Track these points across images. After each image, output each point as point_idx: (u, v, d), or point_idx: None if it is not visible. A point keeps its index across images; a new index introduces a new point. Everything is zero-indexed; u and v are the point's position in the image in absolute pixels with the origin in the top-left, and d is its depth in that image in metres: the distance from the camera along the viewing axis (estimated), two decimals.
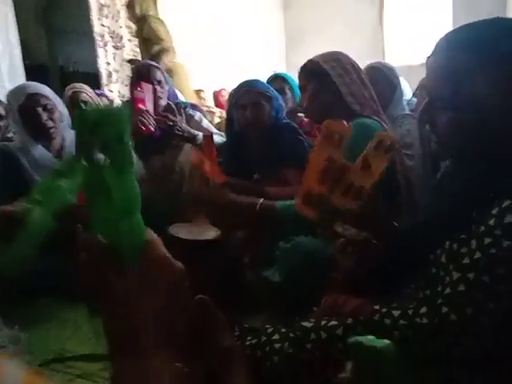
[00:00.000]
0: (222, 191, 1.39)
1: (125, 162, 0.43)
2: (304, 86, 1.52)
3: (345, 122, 0.96)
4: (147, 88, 2.04)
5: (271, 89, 1.89)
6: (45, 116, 1.77)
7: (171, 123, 2.04)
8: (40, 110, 1.76)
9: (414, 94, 2.37)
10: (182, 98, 4.28)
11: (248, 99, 1.78)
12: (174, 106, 2.21)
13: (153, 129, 2.02)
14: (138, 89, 2.02)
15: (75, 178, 0.44)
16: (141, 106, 2.00)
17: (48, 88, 1.84)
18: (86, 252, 0.43)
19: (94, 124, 0.42)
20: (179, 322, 0.45)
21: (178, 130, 2.05)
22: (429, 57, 0.82)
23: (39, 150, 1.81)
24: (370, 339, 0.65)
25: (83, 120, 0.43)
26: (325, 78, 1.44)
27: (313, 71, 1.48)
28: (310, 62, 1.50)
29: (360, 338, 0.65)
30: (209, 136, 1.53)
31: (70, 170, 0.45)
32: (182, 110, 2.20)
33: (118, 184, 0.43)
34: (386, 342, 0.64)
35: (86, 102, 2.70)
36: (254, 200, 1.30)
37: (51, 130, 1.79)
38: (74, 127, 0.48)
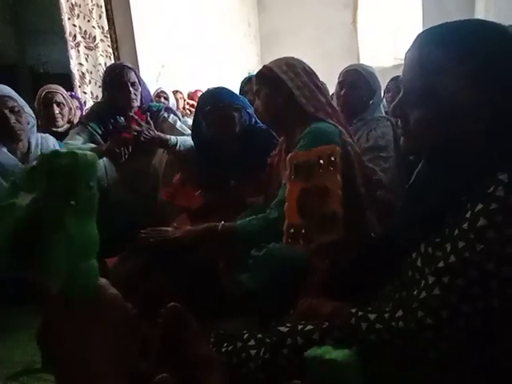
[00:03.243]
0: (180, 229, 1.48)
1: (89, 207, 0.44)
2: (257, 91, 1.53)
3: (308, 151, 0.94)
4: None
5: (238, 97, 1.88)
6: (12, 118, 1.73)
7: (135, 133, 2.02)
8: (7, 112, 1.72)
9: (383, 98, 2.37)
10: (172, 100, 4.25)
11: (218, 116, 1.77)
12: (142, 111, 2.19)
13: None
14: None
15: (33, 192, 0.43)
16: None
17: (13, 91, 1.80)
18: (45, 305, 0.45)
19: (65, 166, 0.43)
20: (131, 357, 0.47)
21: (144, 137, 2.03)
22: (408, 51, 0.82)
23: (3, 154, 1.76)
24: (328, 351, 0.64)
25: (54, 161, 0.43)
26: (277, 82, 1.45)
27: (265, 76, 1.49)
28: (263, 67, 1.52)
29: (318, 351, 0.65)
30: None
31: (27, 183, 0.44)
32: (149, 115, 2.16)
33: (79, 227, 0.44)
34: (345, 352, 0.63)
35: (60, 104, 2.64)
36: (214, 224, 1.40)
37: (18, 132, 1.75)
38: (41, 167, 0.46)
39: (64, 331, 0.43)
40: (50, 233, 0.43)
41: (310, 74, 1.49)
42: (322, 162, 0.89)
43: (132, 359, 0.47)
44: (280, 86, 1.45)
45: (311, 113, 1.42)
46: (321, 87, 1.49)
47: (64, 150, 0.45)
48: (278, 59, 1.54)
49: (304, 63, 1.52)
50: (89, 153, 0.45)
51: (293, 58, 1.53)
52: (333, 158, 0.89)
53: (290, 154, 0.94)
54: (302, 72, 1.47)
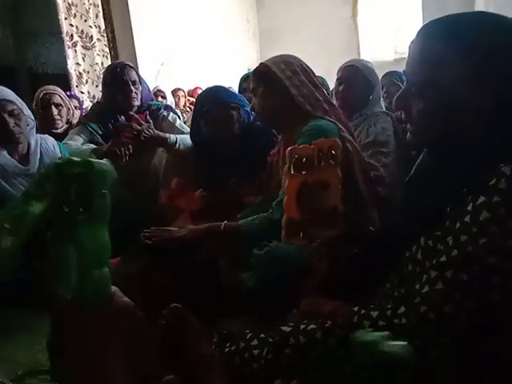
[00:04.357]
0: (183, 229, 1.47)
1: (102, 216, 0.44)
2: (255, 90, 1.52)
3: (307, 145, 0.94)
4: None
5: (236, 96, 1.87)
6: (12, 122, 1.73)
7: (135, 132, 2.01)
8: (6, 116, 1.72)
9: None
10: (170, 98, 4.25)
11: (216, 113, 1.76)
12: (141, 110, 2.18)
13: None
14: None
15: (46, 199, 0.43)
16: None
17: (12, 93, 1.79)
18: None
19: (80, 175, 0.42)
20: (142, 365, 0.47)
21: (144, 136, 2.02)
22: (411, 42, 0.82)
23: (3, 156, 1.76)
24: (383, 337, 0.55)
25: (68, 170, 0.43)
26: (274, 80, 1.44)
27: (263, 74, 1.48)
28: (260, 65, 1.51)
29: (372, 337, 0.55)
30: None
31: (40, 191, 0.44)
32: (149, 113, 2.16)
33: (92, 236, 0.43)
34: (405, 345, 0.55)
35: (58, 105, 2.63)
36: (217, 224, 1.39)
37: (17, 136, 1.75)
38: (54, 175, 0.46)
39: (76, 339, 0.43)
40: (62, 241, 0.43)
41: (308, 72, 1.49)
42: (321, 154, 0.88)
43: (143, 366, 0.47)
44: (277, 84, 1.44)
45: (309, 111, 1.42)
46: (318, 85, 1.49)
47: (78, 158, 0.44)
48: (275, 56, 1.53)
49: (301, 60, 1.52)
50: (103, 161, 0.45)
51: (290, 56, 1.52)
52: (333, 152, 0.89)
53: (289, 148, 0.93)
54: (300, 70, 1.47)
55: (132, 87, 2.14)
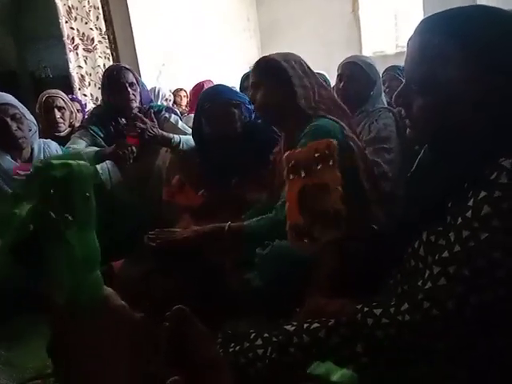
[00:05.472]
0: (187, 230, 1.44)
1: (87, 219, 0.44)
2: (257, 83, 1.46)
3: (303, 149, 0.93)
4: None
5: (238, 93, 1.87)
6: (14, 126, 1.74)
7: (139, 130, 2.02)
8: (9, 120, 1.73)
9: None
10: (171, 98, 4.25)
11: (217, 112, 1.75)
12: (144, 110, 2.19)
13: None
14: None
15: (33, 200, 0.42)
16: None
17: (14, 97, 1.80)
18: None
19: (60, 179, 0.42)
20: (140, 366, 0.47)
21: (148, 135, 2.03)
22: (410, 38, 0.81)
23: (7, 161, 1.77)
24: (331, 370, 0.63)
25: (47, 173, 0.42)
26: (282, 77, 1.40)
27: (271, 69, 1.43)
28: (268, 58, 1.45)
29: (322, 370, 0.64)
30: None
31: (27, 192, 0.44)
32: (153, 114, 2.17)
33: (80, 240, 0.43)
34: (349, 375, 0.62)
35: (61, 108, 2.64)
36: (221, 225, 1.36)
37: (20, 140, 1.75)
38: (36, 180, 0.45)
39: (71, 342, 0.43)
40: (50, 244, 0.43)
41: (313, 72, 1.46)
42: (318, 156, 0.88)
43: (141, 368, 0.47)
44: (285, 81, 1.40)
45: (312, 110, 1.39)
46: (325, 85, 1.47)
47: (58, 160, 0.44)
48: (283, 53, 1.48)
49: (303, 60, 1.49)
50: (83, 162, 0.44)
51: (298, 55, 1.49)
52: (327, 152, 0.87)
53: (285, 154, 0.93)
54: (309, 71, 1.44)
55: (129, 89, 2.15)
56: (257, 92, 1.47)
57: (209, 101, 1.78)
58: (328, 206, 0.87)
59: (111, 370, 0.44)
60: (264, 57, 1.48)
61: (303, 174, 0.89)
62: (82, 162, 0.44)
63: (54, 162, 0.43)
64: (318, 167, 0.88)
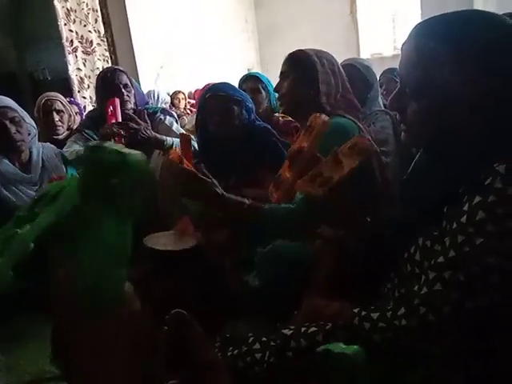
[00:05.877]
0: (211, 186, 1.27)
1: (130, 212, 0.42)
2: (286, 73, 1.50)
3: (324, 118, 1.01)
4: (116, 102, 2.07)
5: (240, 91, 1.87)
6: (13, 129, 1.73)
7: (133, 131, 2.02)
8: (8, 123, 1.73)
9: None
10: (167, 100, 4.25)
11: (217, 105, 1.76)
12: (138, 112, 2.20)
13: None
14: (110, 108, 2.06)
15: (40, 222, 0.41)
16: (113, 121, 2.05)
17: (12, 101, 1.80)
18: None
19: (111, 164, 0.39)
20: (146, 369, 0.47)
21: (141, 136, 2.03)
22: (404, 43, 0.82)
23: (5, 165, 1.77)
24: (339, 346, 0.64)
25: (100, 156, 0.40)
26: (310, 71, 1.43)
27: (301, 61, 1.46)
28: (301, 51, 1.49)
29: (329, 346, 0.64)
30: (187, 138, 1.48)
31: (32, 214, 0.42)
32: (147, 116, 2.17)
33: (116, 231, 0.41)
34: (356, 347, 0.63)
35: (59, 111, 2.65)
36: (243, 199, 1.25)
37: (19, 143, 1.75)
38: (86, 159, 0.41)
39: (83, 342, 0.43)
40: (82, 232, 0.41)
41: (342, 74, 1.50)
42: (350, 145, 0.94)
43: (149, 370, 0.47)
44: (312, 76, 1.43)
45: (331, 107, 1.41)
46: (349, 89, 1.49)
47: (113, 146, 0.41)
48: (318, 49, 1.52)
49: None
50: (137, 153, 0.41)
51: (329, 53, 1.53)
52: (360, 146, 0.93)
53: (297, 183, 0.97)
54: (337, 71, 1.48)
55: (124, 90, 2.15)
56: (284, 81, 1.50)
57: (210, 92, 1.79)
58: (325, 172, 0.94)
59: (119, 371, 0.43)
60: (298, 49, 1.51)
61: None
62: (136, 152, 0.42)
63: (109, 147, 0.41)
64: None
